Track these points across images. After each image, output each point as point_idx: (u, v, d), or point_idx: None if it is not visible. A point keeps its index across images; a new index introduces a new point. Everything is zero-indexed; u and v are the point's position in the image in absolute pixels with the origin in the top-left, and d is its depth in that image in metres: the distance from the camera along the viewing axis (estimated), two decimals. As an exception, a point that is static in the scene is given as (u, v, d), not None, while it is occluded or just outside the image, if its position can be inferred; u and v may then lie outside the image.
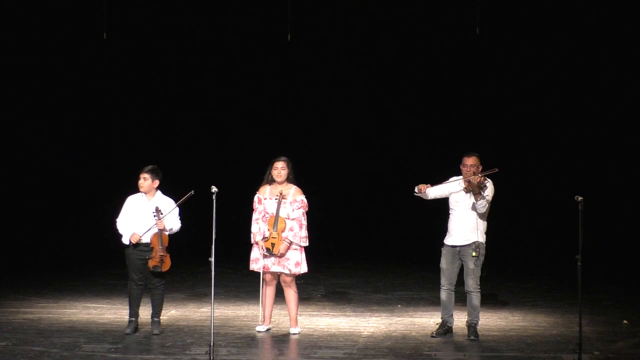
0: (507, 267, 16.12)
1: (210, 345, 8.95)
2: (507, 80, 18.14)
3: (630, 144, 17.91)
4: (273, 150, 10.89)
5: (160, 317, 10.43)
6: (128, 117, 18.86)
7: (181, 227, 10.40)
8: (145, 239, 10.19)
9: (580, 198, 9.15)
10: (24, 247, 17.72)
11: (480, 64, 18.03)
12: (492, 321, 11.36)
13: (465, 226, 10.22)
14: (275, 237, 10.23)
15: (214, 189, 9.19)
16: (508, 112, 18.35)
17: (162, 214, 10.15)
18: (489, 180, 10.22)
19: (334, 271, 15.89)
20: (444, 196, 10.44)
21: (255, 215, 10.41)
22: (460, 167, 10.28)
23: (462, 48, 17.78)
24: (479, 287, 10.24)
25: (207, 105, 19.02)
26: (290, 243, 10.26)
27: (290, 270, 10.31)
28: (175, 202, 10.28)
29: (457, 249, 10.28)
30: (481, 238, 10.22)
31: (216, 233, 9.03)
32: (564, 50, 17.59)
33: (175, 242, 10.46)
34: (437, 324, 10.56)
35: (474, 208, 10.17)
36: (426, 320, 11.32)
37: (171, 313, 11.66)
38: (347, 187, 19.16)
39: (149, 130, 18.91)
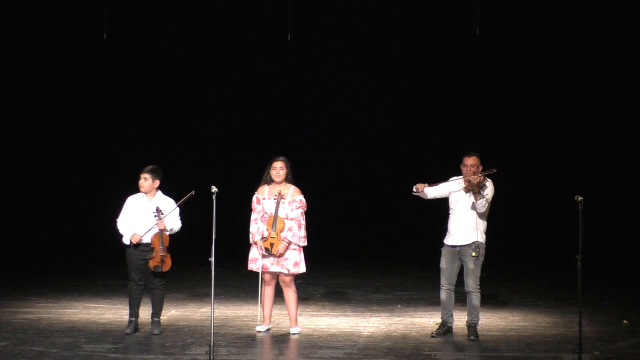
0: (507, 267, 16.12)
1: (210, 345, 8.95)
2: (507, 80, 18.14)
3: (630, 144, 17.92)
4: (273, 150, 10.89)
5: (160, 317, 10.43)
6: (128, 117, 18.86)
7: (181, 227, 10.40)
8: (146, 239, 10.19)
9: (580, 198, 9.15)
10: (24, 247, 17.73)
11: (480, 64, 18.03)
12: (492, 321, 11.36)
13: (465, 226, 10.22)
14: (274, 237, 10.23)
15: (214, 189, 9.19)
16: (508, 112, 18.35)
17: (162, 214, 10.15)
18: (488, 180, 10.22)
19: (334, 271, 15.89)
20: (443, 196, 10.44)
21: (254, 215, 10.42)
22: (461, 167, 10.28)
23: (462, 48, 17.78)
24: (479, 287, 10.24)
25: (207, 105, 19.03)
26: (289, 243, 10.27)
27: (288, 270, 10.31)
28: (176, 202, 10.28)
29: (457, 249, 10.28)
30: (481, 238, 10.22)
31: (216, 233, 9.03)
32: (564, 50, 17.60)
33: (175, 242, 10.46)
34: (437, 324, 10.56)
35: (473, 208, 10.17)
36: (426, 320, 11.32)
37: (171, 313, 11.66)
38: (347, 187, 19.16)
39: (149, 130, 18.91)
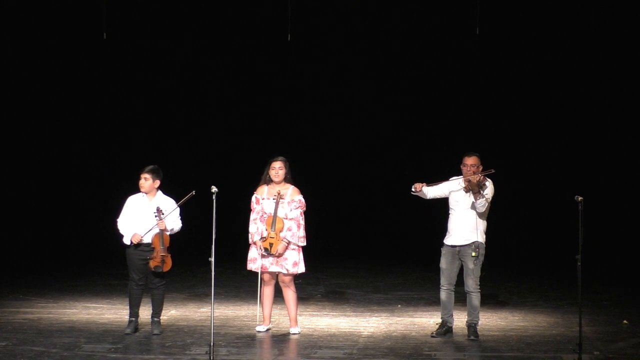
0: (507, 267, 16.12)
1: (210, 345, 8.95)
2: (507, 80, 18.15)
3: (630, 144, 17.92)
4: (273, 150, 10.89)
5: (160, 317, 10.43)
6: (128, 117, 18.86)
7: (182, 228, 10.40)
8: (147, 239, 10.19)
9: (580, 198, 9.15)
10: (24, 247, 17.73)
11: (480, 64, 18.03)
12: (492, 321, 11.36)
13: (465, 226, 10.22)
14: (273, 237, 10.23)
15: (214, 189, 9.19)
16: (508, 112, 18.36)
17: (163, 214, 10.15)
18: (488, 180, 10.22)
19: (334, 271, 15.89)
20: (443, 196, 10.44)
21: (253, 215, 10.42)
22: (461, 166, 10.28)
23: (462, 48, 17.78)
24: (479, 287, 10.24)
25: (207, 105, 19.03)
26: (289, 243, 10.27)
27: (288, 270, 10.31)
28: (176, 202, 10.28)
29: (457, 248, 10.28)
30: (481, 238, 10.22)
31: (216, 233, 9.03)
32: (564, 50, 17.60)
33: (175, 242, 10.46)
34: (437, 324, 10.56)
35: (473, 208, 10.17)
36: (426, 320, 11.32)
37: (171, 313, 11.66)
38: (347, 187, 19.16)
39: (149, 130, 18.92)
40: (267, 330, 10.49)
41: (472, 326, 10.26)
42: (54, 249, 17.78)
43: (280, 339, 10.18)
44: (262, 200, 10.38)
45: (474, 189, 10.09)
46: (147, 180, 10.30)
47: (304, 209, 10.38)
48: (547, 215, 18.07)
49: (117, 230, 10.33)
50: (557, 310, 12.23)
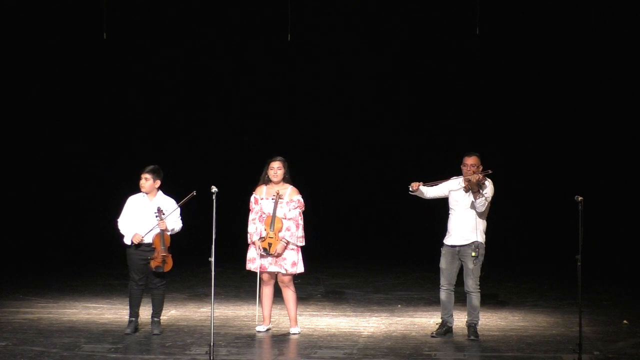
0: (507, 267, 16.12)
1: (210, 345, 8.95)
2: (507, 80, 18.14)
3: (630, 144, 17.92)
4: (272, 150, 10.89)
5: (161, 317, 10.43)
6: (128, 117, 18.86)
7: (182, 228, 10.40)
8: (147, 240, 10.19)
9: (580, 198, 9.15)
10: (24, 247, 17.72)
11: (481, 64, 18.03)
12: (492, 321, 11.36)
13: (465, 226, 10.22)
14: (272, 237, 10.23)
15: (214, 189, 9.19)
16: (508, 112, 18.35)
17: (164, 214, 10.15)
18: (488, 180, 10.22)
19: (334, 271, 15.89)
20: (443, 196, 10.44)
21: (252, 216, 10.41)
22: (461, 166, 10.28)
23: (462, 48, 17.78)
24: (479, 287, 10.23)
25: (207, 105, 19.03)
26: (287, 243, 10.27)
27: (286, 270, 10.31)
28: (177, 202, 10.28)
29: (457, 248, 10.28)
30: (480, 238, 10.22)
31: (216, 233, 9.03)
32: (564, 50, 17.60)
33: (175, 243, 10.45)
34: (437, 324, 10.56)
35: (473, 207, 10.17)
36: (426, 320, 11.32)
37: (171, 313, 11.66)
38: (347, 187, 19.16)
39: (149, 130, 18.91)
40: (267, 330, 10.50)
41: (472, 326, 10.26)
42: (54, 249, 17.78)
43: (280, 339, 10.18)
44: (261, 200, 10.38)
45: (474, 188, 10.09)
46: (147, 181, 10.30)
47: (303, 208, 10.38)
48: (547, 215, 18.07)
49: (118, 230, 10.33)
50: (557, 310, 12.23)
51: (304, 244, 10.38)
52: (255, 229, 10.34)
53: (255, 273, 10.40)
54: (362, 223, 19.24)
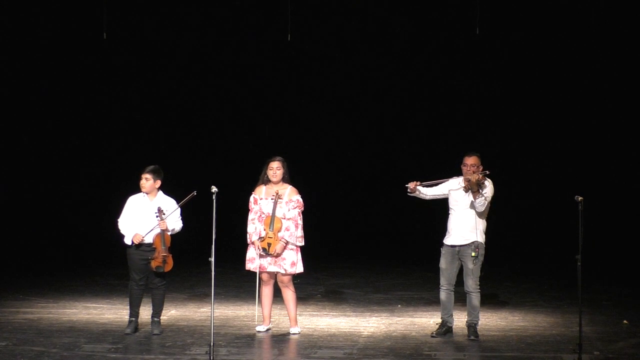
0: (507, 267, 16.12)
1: (210, 345, 8.95)
2: (507, 80, 18.15)
3: (631, 144, 17.93)
4: (272, 150, 10.89)
5: (161, 317, 10.43)
6: (128, 116, 18.87)
7: (182, 228, 10.40)
8: (148, 240, 10.19)
9: (580, 198, 9.15)
10: (24, 247, 17.73)
11: (480, 64, 18.03)
12: (492, 321, 11.36)
13: (465, 226, 10.22)
14: (271, 237, 10.23)
15: (214, 189, 9.19)
16: (508, 112, 18.36)
17: (164, 214, 10.15)
18: (488, 180, 10.22)
19: (334, 271, 15.89)
20: (443, 196, 10.44)
21: (251, 216, 10.41)
22: (461, 166, 10.28)
23: (462, 48, 17.78)
24: (479, 287, 10.23)
25: (207, 105, 19.03)
26: (287, 243, 10.27)
27: (286, 270, 10.31)
28: (177, 202, 10.28)
29: (457, 248, 10.28)
30: (480, 238, 10.22)
31: (216, 233, 9.03)
32: (564, 50, 17.60)
33: (176, 243, 10.45)
34: (437, 324, 10.56)
35: (473, 207, 10.17)
36: (426, 320, 11.32)
37: (171, 313, 11.66)
38: (347, 186, 19.17)
39: (149, 130, 18.92)
40: (267, 330, 10.50)
41: (472, 326, 10.26)
42: (54, 249, 17.78)
43: (280, 339, 10.18)
44: (260, 200, 10.38)
45: (473, 188, 10.09)
46: (148, 181, 10.30)
47: (302, 208, 10.38)
48: (547, 215, 18.07)
49: (118, 230, 10.33)
50: (557, 310, 12.23)
51: (303, 244, 10.38)
52: (254, 229, 10.34)
53: (255, 273, 10.40)
54: (362, 223, 19.23)
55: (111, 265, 15.37)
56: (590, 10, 16.68)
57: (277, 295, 10.57)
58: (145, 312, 10.59)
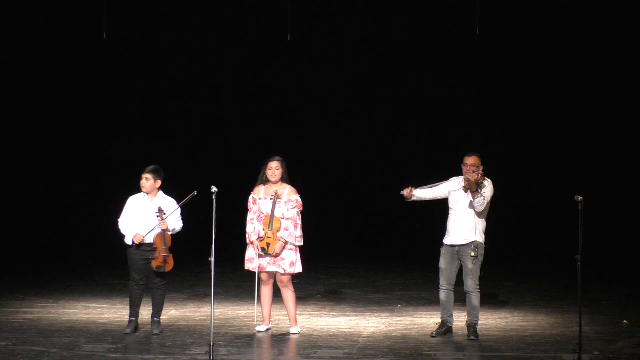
0: (507, 267, 16.12)
1: (210, 345, 8.95)
2: (507, 80, 18.14)
3: (631, 144, 17.92)
4: (272, 150, 10.89)
5: (161, 317, 10.43)
6: (128, 116, 18.86)
7: (183, 228, 10.40)
8: (149, 240, 10.19)
9: (580, 198, 9.15)
10: (24, 247, 17.72)
11: (480, 64, 18.03)
12: (492, 321, 11.36)
13: (465, 226, 10.22)
14: (270, 237, 10.24)
15: (214, 189, 9.19)
16: (508, 112, 18.35)
17: (165, 214, 10.15)
18: (488, 180, 10.22)
19: (334, 271, 15.89)
20: (444, 196, 10.44)
21: (250, 216, 10.42)
22: (462, 166, 10.29)
23: (462, 48, 17.78)
24: (479, 287, 10.23)
25: (207, 105, 19.03)
26: (286, 243, 10.27)
27: (285, 270, 10.31)
28: (177, 202, 10.28)
29: (456, 248, 10.28)
30: (480, 238, 10.22)
31: (216, 233, 9.03)
32: (564, 50, 17.60)
33: (176, 242, 10.45)
34: (437, 324, 10.56)
35: (472, 207, 10.17)
36: (426, 320, 11.32)
37: (171, 313, 11.66)
38: (347, 187, 19.16)
39: (149, 129, 18.91)
40: (267, 330, 10.50)
41: (472, 326, 10.26)
42: (54, 249, 17.78)
43: (280, 339, 10.18)
44: (259, 200, 10.38)
45: (473, 188, 10.09)
46: (148, 181, 10.30)
47: (301, 208, 10.38)
48: (547, 215, 18.06)
49: (118, 230, 10.33)
50: (557, 310, 12.23)
51: (302, 244, 10.39)
52: (253, 229, 10.34)
53: (254, 273, 10.40)
54: (362, 223, 19.23)
55: (111, 265, 15.37)
56: (590, 10, 16.67)
57: (277, 295, 10.57)
58: (146, 312, 10.59)
